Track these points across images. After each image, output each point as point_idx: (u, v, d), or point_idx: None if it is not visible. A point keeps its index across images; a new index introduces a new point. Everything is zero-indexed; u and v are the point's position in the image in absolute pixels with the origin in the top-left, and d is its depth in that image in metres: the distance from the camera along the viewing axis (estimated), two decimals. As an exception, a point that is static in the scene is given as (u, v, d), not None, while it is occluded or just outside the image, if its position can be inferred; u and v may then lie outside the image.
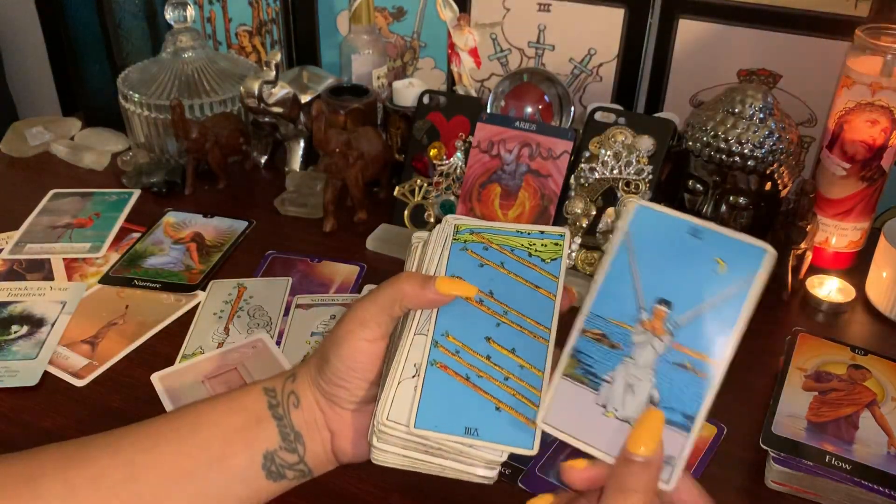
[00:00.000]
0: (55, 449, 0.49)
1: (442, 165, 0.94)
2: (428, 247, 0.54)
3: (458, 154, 0.93)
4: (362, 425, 0.50)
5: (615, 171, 0.87)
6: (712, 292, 0.43)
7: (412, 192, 0.95)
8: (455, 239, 0.53)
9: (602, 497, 0.42)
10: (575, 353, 0.45)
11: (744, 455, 0.66)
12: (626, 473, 0.41)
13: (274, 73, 0.95)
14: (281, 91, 0.98)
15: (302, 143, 1.06)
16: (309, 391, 0.50)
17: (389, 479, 0.62)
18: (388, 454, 0.48)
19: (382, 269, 0.89)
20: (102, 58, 1.17)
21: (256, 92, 0.96)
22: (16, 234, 0.94)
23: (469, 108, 0.94)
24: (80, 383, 0.73)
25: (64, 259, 0.90)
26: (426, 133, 0.95)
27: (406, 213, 0.95)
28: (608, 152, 0.87)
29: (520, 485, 0.63)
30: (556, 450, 0.65)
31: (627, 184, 0.86)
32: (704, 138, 0.81)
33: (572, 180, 0.88)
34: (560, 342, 0.50)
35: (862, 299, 0.85)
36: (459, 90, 1.03)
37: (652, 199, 0.85)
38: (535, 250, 0.53)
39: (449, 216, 0.55)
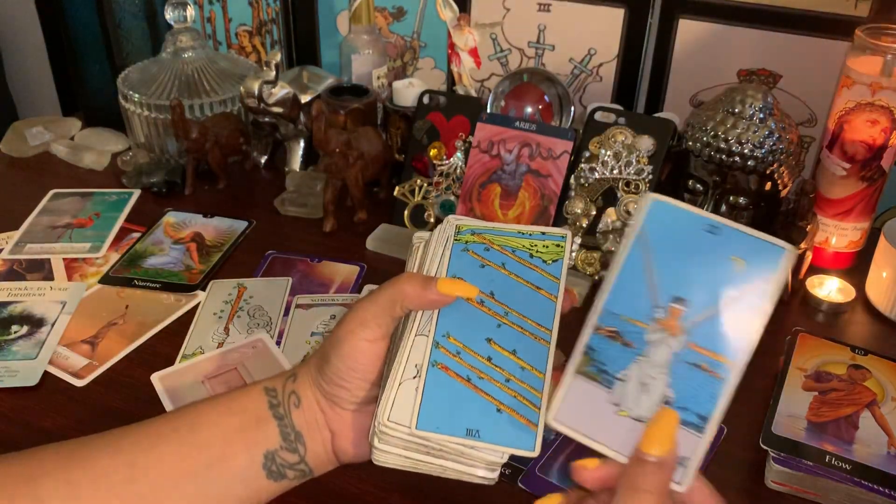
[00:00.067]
0: (55, 449, 0.49)
1: (442, 165, 0.94)
2: (429, 247, 0.54)
3: (458, 154, 0.93)
4: (363, 425, 0.50)
5: (615, 171, 0.87)
6: (729, 291, 0.42)
7: (412, 192, 0.95)
8: (456, 239, 0.53)
9: (614, 497, 0.41)
10: (588, 351, 0.45)
11: (744, 455, 0.66)
12: (638, 473, 0.41)
13: (274, 73, 0.95)
14: (281, 91, 0.98)
15: (302, 143, 1.06)
16: (310, 391, 0.50)
17: (389, 479, 0.62)
18: (389, 455, 0.48)
19: (382, 270, 0.89)
20: (102, 58, 1.17)
21: (256, 92, 0.96)
22: (16, 234, 0.94)
23: (469, 108, 0.94)
24: (80, 383, 0.73)
25: (64, 259, 0.90)
26: (426, 133, 0.95)
27: (406, 213, 0.95)
28: (608, 152, 0.87)
29: (520, 485, 0.63)
30: (556, 450, 0.65)
31: (627, 184, 0.86)
32: (704, 138, 0.81)
33: (572, 180, 0.88)
34: (561, 343, 0.50)
35: (862, 299, 0.85)
36: (459, 90, 1.03)
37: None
38: (537, 251, 0.53)
39: (450, 216, 0.55)
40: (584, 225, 0.87)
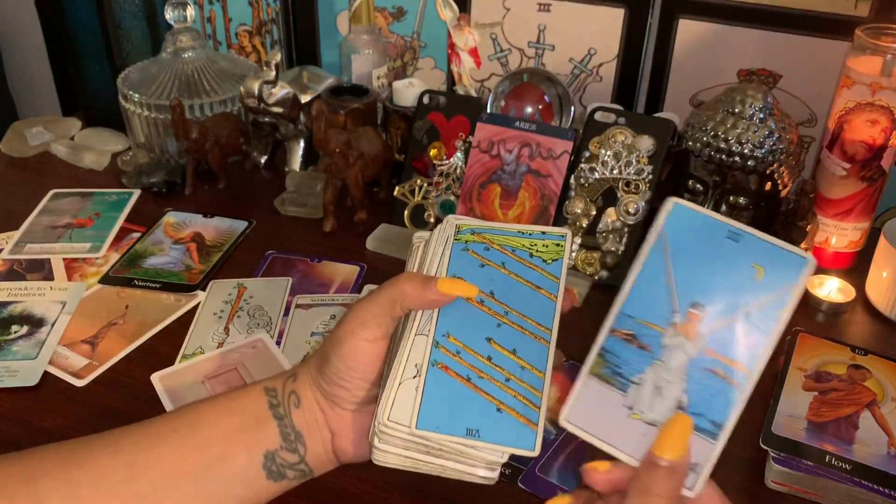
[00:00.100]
0: (55, 449, 0.49)
1: (442, 165, 0.94)
2: (429, 247, 0.54)
3: (458, 154, 0.93)
4: (363, 425, 0.50)
5: (615, 171, 0.87)
6: (748, 299, 0.42)
7: (412, 192, 0.95)
8: (456, 239, 0.53)
9: (625, 500, 0.41)
10: (603, 353, 0.44)
11: (744, 455, 0.66)
12: (650, 477, 0.41)
13: (274, 73, 0.95)
14: (281, 91, 0.98)
15: (302, 143, 1.06)
16: (310, 391, 0.50)
17: (389, 479, 0.62)
18: (389, 455, 0.48)
19: (382, 269, 0.89)
20: (102, 58, 1.17)
21: (256, 92, 0.96)
22: (16, 234, 0.94)
23: (469, 108, 0.94)
24: (80, 383, 0.73)
25: (64, 259, 0.90)
26: (426, 133, 0.95)
27: (406, 213, 0.95)
28: (608, 152, 0.87)
29: (520, 485, 0.63)
30: (556, 450, 0.65)
31: (627, 184, 0.86)
32: (704, 138, 0.81)
33: (572, 180, 0.88)
34: (560, 343, 0.50)
35: (862, 299, 0.85)
36: (459, 90, 1.03)
37: (651, 200, 0.85)
38: (537, 251, 0.53)
39: (450, 216, 0.55)
40: (584, 225, 0.87)
